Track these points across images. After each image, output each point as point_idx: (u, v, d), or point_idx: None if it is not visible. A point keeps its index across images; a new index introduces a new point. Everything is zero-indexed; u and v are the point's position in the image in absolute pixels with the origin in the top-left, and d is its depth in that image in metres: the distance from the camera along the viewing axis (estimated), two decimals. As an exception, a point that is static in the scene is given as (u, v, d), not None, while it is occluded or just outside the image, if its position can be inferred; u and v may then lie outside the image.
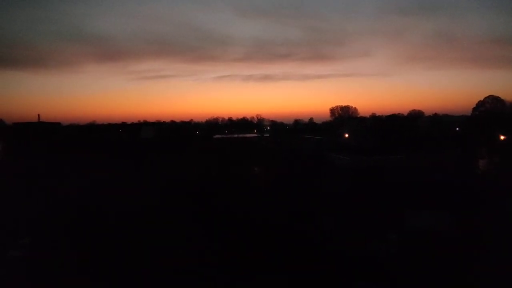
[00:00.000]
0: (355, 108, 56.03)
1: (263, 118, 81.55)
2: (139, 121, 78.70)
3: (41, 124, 54.87)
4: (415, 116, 54.56)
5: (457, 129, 42.03)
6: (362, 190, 16.11)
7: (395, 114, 54.72)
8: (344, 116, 54.41)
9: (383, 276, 7.62)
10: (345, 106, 56.58)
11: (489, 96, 40.76)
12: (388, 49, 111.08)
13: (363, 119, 53.26)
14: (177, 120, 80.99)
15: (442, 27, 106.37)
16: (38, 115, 59.59)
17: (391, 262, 8.20)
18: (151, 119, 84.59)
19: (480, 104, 40.89)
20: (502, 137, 27.22)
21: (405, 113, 57.47)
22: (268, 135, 58.53)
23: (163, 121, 79.14)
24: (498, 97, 40.26)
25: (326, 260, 8.15)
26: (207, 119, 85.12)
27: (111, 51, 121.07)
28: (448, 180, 17.68)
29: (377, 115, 59.42)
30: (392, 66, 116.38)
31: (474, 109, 41.68)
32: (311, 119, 74.45)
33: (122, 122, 78.59)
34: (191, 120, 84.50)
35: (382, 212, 12.36)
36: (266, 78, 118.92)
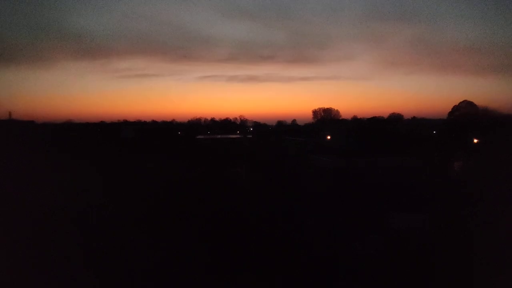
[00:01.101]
0: (337, 110, 57.12)
1: (246, 119, 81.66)
2: (118, 120, 77.13)
3: (13, 122, 52.95)
4: (395, 119, 56.14)
5: (434, 132, 43.54)
6: (343, 191, 16.53)
7: (375, 116, 56.03)
8: (326, 118, 55.32)
9: (362, 275, 7.89)
10: (327, 108, 57.58)
11: (464, 101, 42.53)
12: (369, 54, 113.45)
13: (345, 121, 54.31)
14: (159, 120, 79.92)
15: (420, 34, 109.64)
16: (9, 112, 57.40)
17: (369, 261, 8.48)
18: (132, 118, 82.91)
19: (455, 108, 42.57)
20: (475, 140, 28.48)
21: (385, 116, 58.96)
22: (251, 136, 58.69)
23: (144, 121, 77.94)
24: (472, 102, 42.09)
25: (306, 260, 8.34)
26: (190, 119, 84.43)
27: (90, 48, 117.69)
28: (425, 181, 18.40)
29: (358, 117, 60.66)
30: (373, 70, 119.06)
31: (449, 113, 43.34)
32: (294, 120, 75.16)
33: (101, 121, 76.65)
34: (173, 120, 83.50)
35: (362, 213, 12.77)
36: (250, 79, 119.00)
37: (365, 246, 9.58)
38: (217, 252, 8.84)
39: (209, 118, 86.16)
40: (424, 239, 10.11)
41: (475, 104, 41.30)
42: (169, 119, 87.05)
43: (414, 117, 61.08)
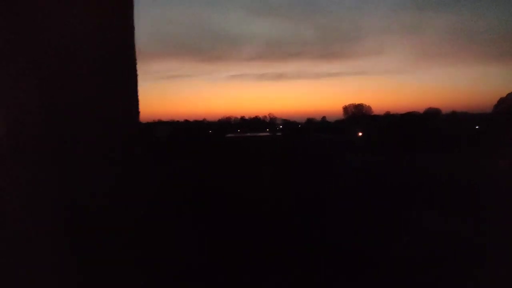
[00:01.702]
0: (369, 106, 55.37)
1: (275, 117, 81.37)
2: (153, 120, 79.94)
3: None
4: (432, 114, 53.42)
5: (476, 127, 40.90)
6: (375, 190, 15.74)
7: (410, 112, 53.72)
8: (357, 115, 53.81)
9: (395, 278, 7.40)
10: (358, 105, 55.98)
11: (511, 92, 39.56)
12: (403, 46, 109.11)
13: (377, 117, 52.55)
14: (191, 120, 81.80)
15: (460, 22, 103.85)
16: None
17: (403, 263, 7.96)
18: (166, 118, 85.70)
19: (502, 101, 39.66)
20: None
21: (421, 111, 56.34)
22: (280, 134, 58.36)
23: (177, 120, 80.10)
24: (521, 93, 39.03)
25: (337, 260, 7.96)
26: (220, 118, 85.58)
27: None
28: (467, 180, 17.10)
29: (391, 113, 58.50)
30: (407, 63, 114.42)
31: (495, 106, 40.46)
32: (323, 117, 73.89)
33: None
34: (204, 119, 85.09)
35: (394, 214, 12.02)
36: (278, 77, 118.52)
37: (400, 248, 9.07)
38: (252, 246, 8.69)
39: (238, 117, 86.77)
40: (463, 242, 9.40)
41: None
42: (200, 118, 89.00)
43: (453, 111, 57.79)
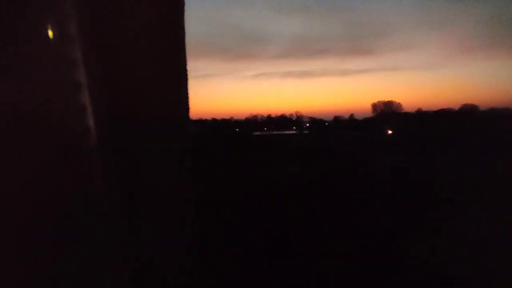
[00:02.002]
0: (399, 103, 53.77)
1: (302, 115, 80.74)
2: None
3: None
4: (468, 111, 50.95)
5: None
6: (409, 191, 15.25)
7: (444, 109, 51.55)
8: (387, 112, 52.32)
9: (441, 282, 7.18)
10: (388, 101, 54.38)
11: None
12: (435, 40, 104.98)
13: (408, 114, 50.83)
14: (218, 118, 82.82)
15: (497, 12, 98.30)
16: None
17: (438, 269, 7.71)
18: (194, 117, 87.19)
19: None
20: None
21: (456, 108, 53.89)
22: (307, 132, 57.87)
23: (205, 119, 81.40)
24: None
25: (383, 262, 7.79)
26: (247, 116, 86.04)
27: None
28: (507, 182, 16.08)
29: (423, 110, 56.40)
30: (440, 58, 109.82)
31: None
32: (351, 115, 72.39)
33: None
34: (231, 117, 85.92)
35: (428, 216, 11.61)
36: (305, 74, 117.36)
37: (435, 253, 8.82)
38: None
39: (265, 115, 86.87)
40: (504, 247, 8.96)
41: None
42: (227, 117, 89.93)
43: (492, 107, 54.82)
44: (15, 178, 0.45)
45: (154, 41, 0.64)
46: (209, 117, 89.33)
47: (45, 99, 0.47)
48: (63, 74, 0.49)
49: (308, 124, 72.38)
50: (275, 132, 55.56)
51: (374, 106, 54.50)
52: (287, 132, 56.57)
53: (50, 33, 0.47)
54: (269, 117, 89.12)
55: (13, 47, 0.47)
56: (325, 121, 74.75)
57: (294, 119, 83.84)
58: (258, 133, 59.04)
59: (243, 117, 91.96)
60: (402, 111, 52.91)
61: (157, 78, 0.66)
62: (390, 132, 35.38)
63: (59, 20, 0.49)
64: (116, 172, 0.56)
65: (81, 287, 0.50)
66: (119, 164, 0.57)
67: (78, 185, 0.49)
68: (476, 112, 50.97)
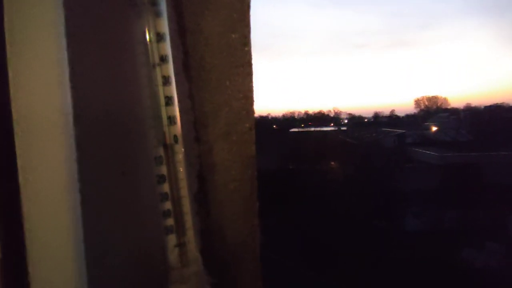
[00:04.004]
0: (444, 98, 50.80)
1: (340, 111, 79.01)
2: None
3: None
4: (524, 106, 47.01)
5: None
6: (452, 190, 14.51)
7: (497, 104, 47.97)
8: (431, 108, 49.74)
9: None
10: (432, 97, 51.65)
11: None
12: (486, 30, 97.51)
13: (455, 110, 47.92)
14: (256, 115, 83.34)
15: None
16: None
17: (488, 273, 7.26)
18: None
19: None
20: None
21: (511, 103, 49.93)
22: (345, 128, 56.61)
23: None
24: None
25: (409, 265, 7.54)
26: (284, 113, 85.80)
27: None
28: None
29: (473, 105, 52.84)
30: (492, 49, 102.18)
31: None
32: (392, 111, 69.69)
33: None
34: (269, 114, 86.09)
35: (477, 217, 10.96)
36: (343, 70, 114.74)
37: (482, 255, 8.30)
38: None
39: (302, 112, 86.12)
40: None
41: None
42: (265, 114, 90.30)
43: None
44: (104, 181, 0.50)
45: (224, 10, 0.68)
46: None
47: (130, 50, 0.52)
48: (151, 68, 0.55)
49: (346, 120, 70.67)
50: (313, 129, 54.88)
51: (417, 101, 52.03)
52: (324, 128, 55.67)
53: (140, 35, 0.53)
54: (306, 114, 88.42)
55: (103, 44, 0.52)
56: (364, 117, 72.58)
57: (332, 115, 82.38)
58: (295, 129, 58.60)
59: (281, 114, 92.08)
60: (449, 107, 50.04)
61: (227, 44, 0.70)
62: (434, 128, 33.62)
63: (149, 22, 0.54)
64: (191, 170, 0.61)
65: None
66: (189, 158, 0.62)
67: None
68: (533, 107, 46.95)
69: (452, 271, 7.49)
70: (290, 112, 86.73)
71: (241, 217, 0.69)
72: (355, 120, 68.88)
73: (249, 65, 0.74)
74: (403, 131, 35.17)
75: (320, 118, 76.02)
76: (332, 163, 22.89)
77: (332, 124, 67.07)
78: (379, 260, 8.01)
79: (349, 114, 76.48)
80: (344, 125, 64.80)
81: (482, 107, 48.43)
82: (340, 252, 8.40)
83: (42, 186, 0.51)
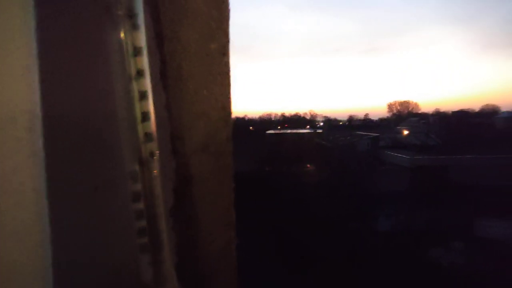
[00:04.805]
0: (415, 103, 52.86)
1: (316, 114, 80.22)
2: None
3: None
4: (489, 112, 49.58)
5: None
6: (421, 191, 15.11)
7: (463, 109, 50.33)
8: (403, 112, 51.52)
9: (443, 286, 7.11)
10: (404, 102, 53.58)
11: None
12: (456, 38, 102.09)
13: (425, 115, 49.87)
14: (232, 116, 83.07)
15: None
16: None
17: (453, 271, 7.59)
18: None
19: None
20: None
21: (476, 109, 52.53)
22: (321, 131, 57.47)
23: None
24: None
25: (379, 265, 7.76)
26: (261, 115, 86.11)
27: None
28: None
29: (441, 110, 55.12)
30: (460, 57, 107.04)
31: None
32: (366, 115, 71.61)
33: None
34: (245, 116, 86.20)
35: (443, 217, 11.49)
36: (319, 73, 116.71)
37: (447, 253, 8.66)
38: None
39: (279, 114, 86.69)
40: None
41: None
42: (241, 115, 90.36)
43: (515, 108, 53.22)
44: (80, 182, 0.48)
45: (202, 19, 0.67)
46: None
47: (106, 63, 0.50)
48: (127, 82, 0.53)
49: (322, 123, 71.86)
50: (289, 131, 55.48)
51: (390, 106, 53.75)
52: (300, 130, 56.39)
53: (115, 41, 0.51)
54: (283, 116, 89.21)
55: (77, 54, 0.50)
56: (339, 120, 74.09)
57: (308, 118, 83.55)
58: (271, 131, 58.98)
59: (257, 116, 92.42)
60: (419, 111, 51.97)
61: (206, 53, 0.69)
62: (406, 132, 34.76)
63: (126, 27, 0.52)
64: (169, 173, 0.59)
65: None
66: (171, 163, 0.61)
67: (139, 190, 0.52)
68: (498, 113, 49.57)
69: (421, 269, 7.78)
70: (267, 114, 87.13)
71: (218, 230, 0.68)
72: (331, 123, 70.17)
73: (227, 74, 0.73)
74: (377, 134, 36.18)
75: (297, 121, 76.93)
76: (308, 165, 23.18)
77: (308, 127, 67.95)
78: (352, 260, 8.20)
79: (325, 117, 77.89)
80: (320, 127, 65.81)
81: (450, 112, 50.63)
82: (315, 253, 8.53)
83: (5, 199, 0.48)
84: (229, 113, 0.74)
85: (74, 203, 0.50)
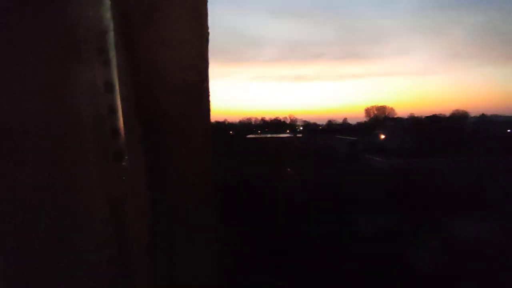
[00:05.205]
0: (391, 108, 54.39)
1: (296, 118, 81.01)
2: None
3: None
4: (459, 117, 51.68)
5: (508, 130, 39.23)
6: (397, 193, 15.50)
7: (436, 114, 52.18)
8: (380, 117, 52.86)
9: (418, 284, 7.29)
10: (381, 106, 55.02)
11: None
12: (428, 47, 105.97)
13: (400, 119, 51.35)
14: (212, 120, 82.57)
15: (488, 21, 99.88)
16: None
17: (427, 269, 7.80)
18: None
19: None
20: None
21: (447, 114, 54.66)
22: (301, 135, 58.05)
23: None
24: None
25: (357, 265, 7.87)
26: (241, 119, 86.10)
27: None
28: (496, 186, 16.50)
29: (416, 115, 56.92)
30: (432, 64, 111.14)
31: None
32: (345, 119, 72.98)
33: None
34: (225, 120, 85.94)
35: (418, 218, 11.83)
36: (299, 78, 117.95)
37: (422, 253, 8.88)
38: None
39: (259, 118, 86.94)
40: (489, 249, 9.07)
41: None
42: (221, 119, 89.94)
43: (483, 114, 55.74)
44: (39, 179, 0.44)
45: (181, 46, 0.65)
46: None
47: (74, 101, 0.47)
48: (93, 76, 0.49)
49: (301, 128, 72.60)
50: (269, 135, 55.71)
51: (367, 110, 55.06)
52: (281, 135, 56.74)
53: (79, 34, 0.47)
54: (263, 120, 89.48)
55: (37, 49, 0.47)
56: (319, 125, 75.14)
57: (288, 122, 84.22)
58: (252, 135, 59.05)
59: (237, 120, 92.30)
60: (395, 116, 53.47)
61: (184, 81, 0.66)
62: (383, 136, 35.63)
63: (89, 21, 0.48)
64: (141, 173, 0.56)
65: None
66: (145, 165, 0.58)
67: (103, 186, 0.48)
68: (467, 118, 51.73)
69: (395, 272, 7.96)
70: (247, 118, 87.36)
71: (198, 263, 0.66)
72: (310, 127, 71.03)
73: (207, 102, 0.71)
74: (355, 138, 36.90)
75: (277, 125, 77.43)
76: (288, 169, 23.33)
77: (288, 131, 68.43)
78: (329, 262, 8.28)
79: (304, 121, 78.79)
80: (300, 132, 66.42)
81: (423, 117, 52.34)
82: (294, 256, 8.57)
83: None
84: (209, 142, 0.71)
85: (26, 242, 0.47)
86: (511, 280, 7.30)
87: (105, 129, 0.48)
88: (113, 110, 0.48)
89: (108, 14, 0.48)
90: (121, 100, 0.51)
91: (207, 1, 0.70)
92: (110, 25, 0.48)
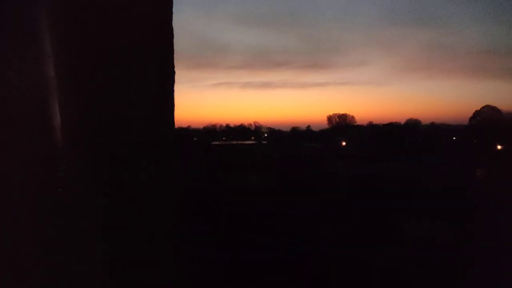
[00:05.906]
0: (352, 116, 56.44)
1: (260, 125, 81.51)
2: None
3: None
4: (412, 125, 54.81)
5: (453, 138, 42.25)
6: (357, 198, 16.03)
7: (392, 122, 54.94)
8: (341, 124, 54.67)
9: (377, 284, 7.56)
10: (342, 114, 56.97)
11: (486, 106, 41.16)
12: (384, 59, 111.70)
13: (360, 127, 53.48)
14: (176, 126, 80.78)
15: (437, 38, 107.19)
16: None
17: (387, 270, 8.12)
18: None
19: (477, 113, 41.25)
20: (499, 147, 27.43)
21: (402, 122, 57.75)
22: (265, 142, 58.46)
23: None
24: (495, 107, 40.66)
25: (313, 270, 8.02)
26: (205, 125, 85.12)
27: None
28: (447, 188, 17.64)
29: (374, 123, 59.57)
30: (388, 76, 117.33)
31: (471, 118, 42.07)
32: (308, 126, 74.58)
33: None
34: (189, 126, 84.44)
35: (377, 221, 12.31)
36: (264, 85, 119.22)
37: (380, 255, 9.21)
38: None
39: (224, 124, 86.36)
40: (445, 248, 9.62)
41: (498, 109, 39.89)
42: (185, 125, 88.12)
43: (432, 122, 59.53)
44: None
45: (141, 48, 0.64)
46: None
47: (20, 102, 0.45)
48: (41, 77, 0.48)
49: (266, 135, 73.20)
50: (234, 142, 55.55)
51: (330, 118, 56.72)
52: (246, 142, 56.80)
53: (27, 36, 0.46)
54: (228, 127, 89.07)
55: None
56: (283, 132, 76.15)
57: (252, 129, 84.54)
58: (216, 142, 58.57)
59: (202, 126, 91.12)
60: (355, 124, 55.53)
61: (143, 84, 0.65)
62: (344, 143, 36.86)
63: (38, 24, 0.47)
64: (96, 177, 0.55)
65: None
66: (100, 170, 0.56)
67: (53, 189, 0.47)
68: (419, 126, 55.00)
69: (355, 273, 8.22)
70: (212, 125, 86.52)
71: (156, 269, 0.64)
72: (275, 134, 71.74)
73: (172, 108, 0.71)
74: (318, 145, 37.88)
75: (242, 131, 77.45)
76: (253, 176, 23.37)
77: (253, 138, 68.68)
78: (294, 267, 8.38)
79: (269, 128, 79.53)
80: (265, 139, 66.85)
81: (381, 124, 54.85)
82: (261, 265, 8.58)
83: None
84: (174, 150, 0.71)
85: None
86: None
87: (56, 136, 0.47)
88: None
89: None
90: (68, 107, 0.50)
91: (172, 7, 0.70)
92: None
